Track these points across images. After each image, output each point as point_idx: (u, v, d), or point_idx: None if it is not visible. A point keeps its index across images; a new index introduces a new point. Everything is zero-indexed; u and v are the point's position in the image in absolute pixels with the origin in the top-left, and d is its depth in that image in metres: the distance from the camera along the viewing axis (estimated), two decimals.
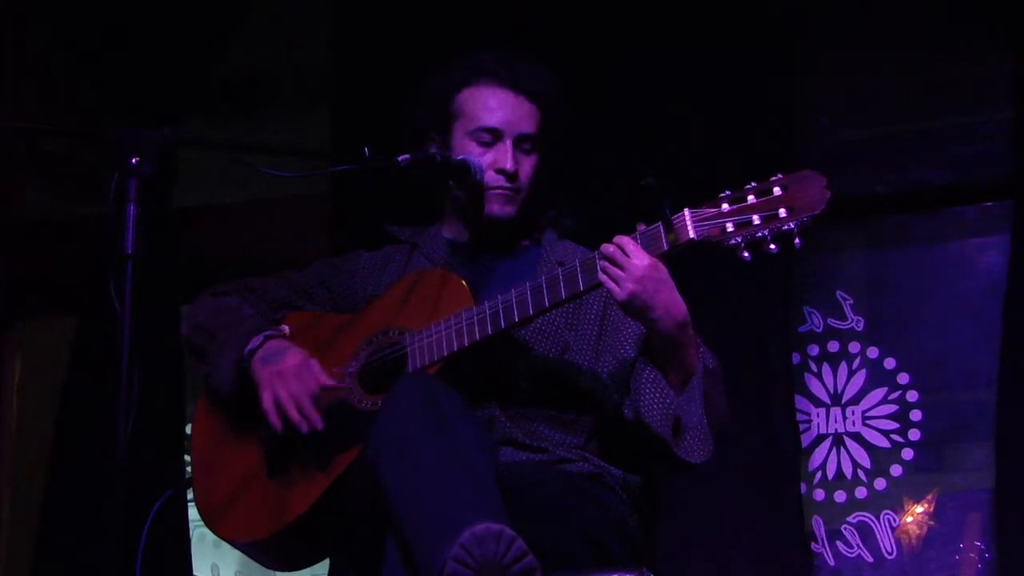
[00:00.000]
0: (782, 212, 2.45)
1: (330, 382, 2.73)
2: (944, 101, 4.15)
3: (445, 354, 2.68)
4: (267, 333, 2.81)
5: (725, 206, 2.49)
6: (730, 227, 2.47)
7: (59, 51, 4.65)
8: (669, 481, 2.67)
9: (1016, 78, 3.94)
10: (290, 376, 2.71)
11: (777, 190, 2.46)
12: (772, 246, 2.46)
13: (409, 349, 2.72)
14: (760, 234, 2.45)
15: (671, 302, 2.55)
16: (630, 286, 2.52)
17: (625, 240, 2.55)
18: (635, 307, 2.54)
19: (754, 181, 2.48)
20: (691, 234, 2.50)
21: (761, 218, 2.46)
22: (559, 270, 2.63)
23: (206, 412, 2.96)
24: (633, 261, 2.52)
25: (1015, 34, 3.95)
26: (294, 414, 2.69)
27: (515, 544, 2.25)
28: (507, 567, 2.24)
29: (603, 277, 2.55)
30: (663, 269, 2.54)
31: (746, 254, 2.47)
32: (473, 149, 2.85)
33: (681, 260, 2.55)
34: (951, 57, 4.14)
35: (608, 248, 2.56)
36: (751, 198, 2.47)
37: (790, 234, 2.44)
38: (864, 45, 4.19)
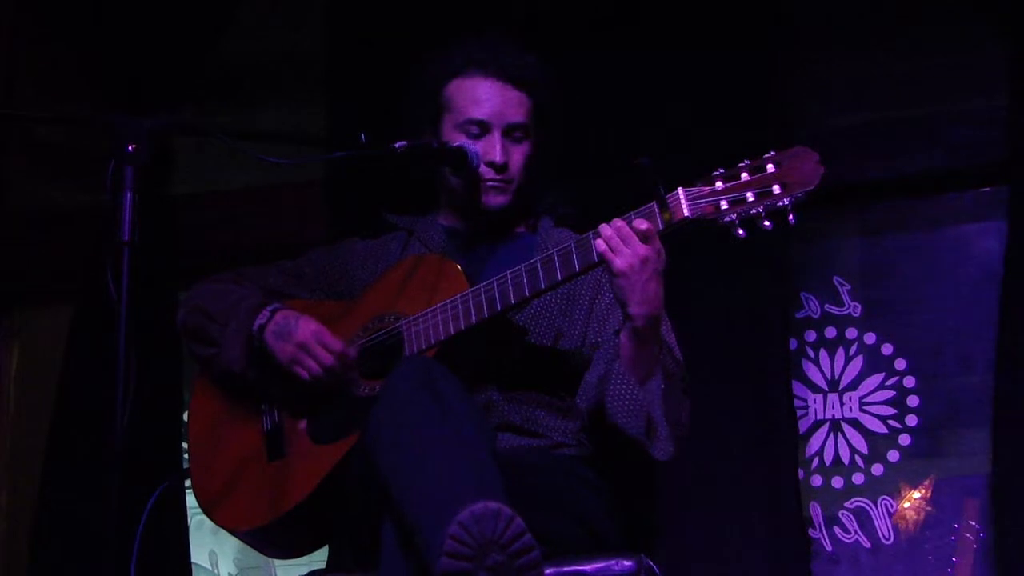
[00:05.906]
0: (776, 188, 2.45)
1: (346, 349, 2.73)
2: (939, 86, 4.13)
3: (442, 338, 2.69)
4: (272, 306, 2.82)
5: (719, 184, 2.49)
6: (724, 204, 2.47)
7: (55, 39, 4.64)
8: (667, 467, 2.65)
9: (1011, 63, 3.94)
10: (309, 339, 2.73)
11: (770, 167, 2.47)
12: (767, 223, 2.46)
13: (405, 334, 2.73)
14: (754, 211, 2.46)
15: (656, 294, 2.53)
16: (630, 259, 2.50)
17: (639, 221, 2.53)
18: (626, 280, 2.52)
19: (747, 159, 2.48)
20: (685, 212, 2.50)
21: (755, 195, 2.46)
22: (554, 250, 2.63)
23: (202, 398, 2.96)
24: (638, 242, 2.51)
25: (1010, 19, 3.95)
26: (318, 349, 2.70)
27: (514, 522, 2.25)
28: (505, 545, 2.24)
29: (601, 245, 2.53)
30: (664, 260, 2.54)
31: (741, 231, 2.48)
32: (463, 142, 2.85)
33: (676, 240, 2.55)
34: (946, 42, 4.13)
35: (618, 222, 2.54)
36: (745, 175, 2.48)
37: (784, 210, 2.45)
38: (859, 30, 4.18)
